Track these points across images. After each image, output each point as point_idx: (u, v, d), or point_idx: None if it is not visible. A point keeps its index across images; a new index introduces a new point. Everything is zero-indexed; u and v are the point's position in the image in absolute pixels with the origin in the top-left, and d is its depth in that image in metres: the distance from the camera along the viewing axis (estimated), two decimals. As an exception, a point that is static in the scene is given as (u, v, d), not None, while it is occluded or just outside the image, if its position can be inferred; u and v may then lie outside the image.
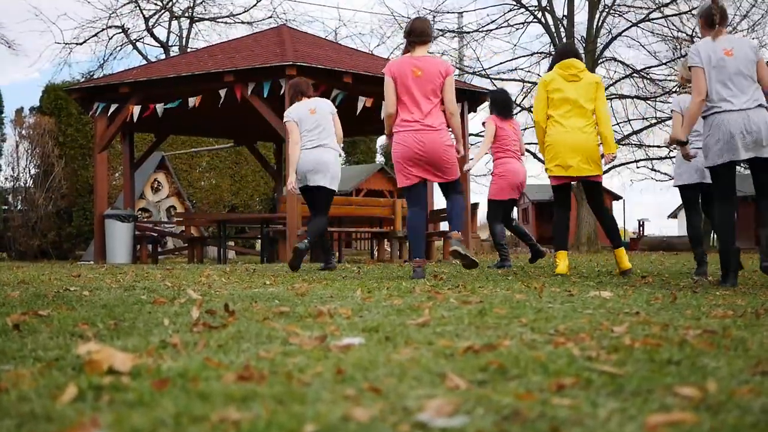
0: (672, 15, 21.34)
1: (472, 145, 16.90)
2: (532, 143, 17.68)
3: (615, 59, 21.94)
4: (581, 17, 22.15)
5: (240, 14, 26.24)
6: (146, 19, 25.23)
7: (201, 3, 25.97)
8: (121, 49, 25.54)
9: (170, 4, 25.58)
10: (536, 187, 31.86)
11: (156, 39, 25.82)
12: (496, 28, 22.04)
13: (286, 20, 25.18)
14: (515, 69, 22.10)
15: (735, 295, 3.82)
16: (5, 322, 2.40)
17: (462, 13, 23.36)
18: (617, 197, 33.29)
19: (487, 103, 10.85)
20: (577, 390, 1.44)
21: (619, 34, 21.85)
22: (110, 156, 14.25)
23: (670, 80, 21.72)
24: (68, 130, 17.30)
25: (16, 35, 53.93)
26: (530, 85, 21.72)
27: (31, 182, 16.47)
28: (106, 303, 3.14)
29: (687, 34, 21.35)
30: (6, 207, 16.61)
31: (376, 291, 3.88)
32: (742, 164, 5.04)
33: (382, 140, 28.73)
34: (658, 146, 22.45)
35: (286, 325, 2.37)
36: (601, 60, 21.67)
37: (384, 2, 45.58)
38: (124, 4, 24.76)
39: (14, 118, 17.60)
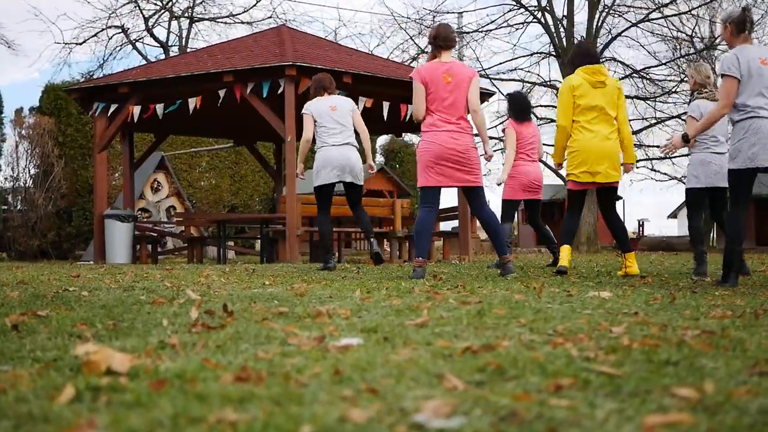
0: (672, 15, 21.34)
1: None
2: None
3: (615, 59, 21.93)
4: (581, 17, 22.15)
5: (240, 14, 26.26)
6: (146, 19, 25.23)
7: (201, 3, 25.98)
8: (120, 49, 25.56)
9: (170, 4, 25.58)
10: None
11: (156, 39, 25.82)
12: (496, 29, 22.04)
13: (286, 20, 25.19)
14: (515, 69, 22.11)
15: (734, 296, 3.82)
16: (4, 322, 2.40)
17: (462, 13, 23.40)
18: (617, 197, 33.25)
19: (486, 103, 10.85)
20: (574, 391, 1.44)
21: (619, 35, 21.84)
22: (110, 156, 14.24)
23: (669, 80, 21.72)
24: (68, 130, 17.30)
25: (16, 35, 53.97)
26: (530, 85, 21.73)
27: (31, 182, 16.47)
28: (105, 303, 3.14)
29: (686, 35, 21.36)
30: (6, 207, 16.60)
31: (375, 291, 3.88)
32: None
33: (382, 141, 28.78)
34: (658, 146, 22.43)
35: (284, 325, 2.37)
36: (600, 60, 21.66)
37: (384, 2, 45.60)
38: (124, 4, 24.77)
39: (14, 118, 17.59)
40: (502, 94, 18.90)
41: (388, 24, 37.03)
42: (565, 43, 21.23)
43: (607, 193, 6.01)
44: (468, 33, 22.68)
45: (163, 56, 24.50)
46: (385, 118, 10.56)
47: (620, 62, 22.05)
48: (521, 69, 22.13)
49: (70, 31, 39.57)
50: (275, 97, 9.82)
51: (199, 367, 1.64)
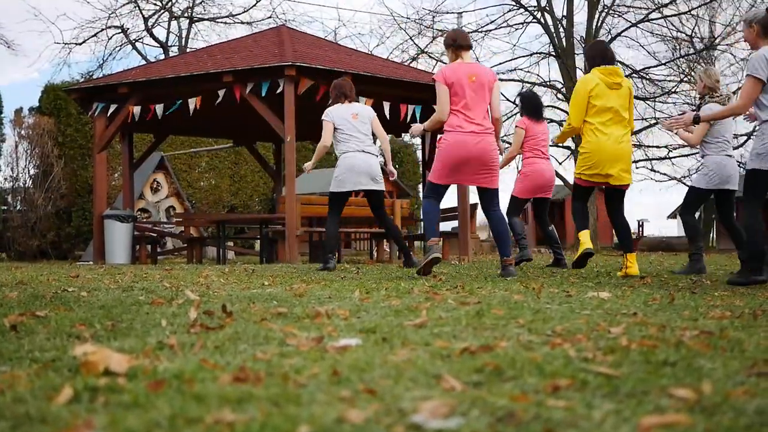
0: (671, 15, 21.35)
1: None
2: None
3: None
4: (580, 17, 22.16)
5: (239, 14, 26.27)
6: (145, 20, 25.23)
7: (200, 3, 25.98)
8: (120, 49, 25.57)
9: (169, 4, 25.58)
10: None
11: (155, 39, 25.82)
12: (496, 29, 22.04)
13: (286, 20, 25.19)
14: (514, 69, 22.12)
15: (733, 296, 3.82)
16: (2, 322, 2.40)
17: (461, 13, 23.37)
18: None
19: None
20: (572, 391, 1.44)
21: (619, 35, 21.85)
22: (109, 156, 14.24)
23: (669, 80, 21.72)
24: (67, 130, 17.30)
25: (16, 35, 53.93)
26: (529, 85, 21.72)
27: (31, 182, 16.47)
28: (104, 304, 3.14)
29: (686, 35, 21.36)
30: (5, 207, 16.60)
31: (374, 292, 3.88)
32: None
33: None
34: (657, 146, 22.46)
35: (283, 326, 2.37)
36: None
37: (383, 2, 45.62)
38: (124, 5, 24.77)
39: (13, 118, 17.60)
40: (502, 95, 18.88)
41: (388, 24, 37.13)
42: (564, 44, 21.23)
43: (617, 194, 6.01)
44: (468, 33, 22.68)
45: (162, 56, 24.51)
46: (388, 117, 10.56)
47: (620, 62, 22.04)
48: (521, 69, 22.16)
49: (69, 31, 39.65)
50: (275, 97, 9.82)
51: (198, 368, 1.64)
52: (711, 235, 26.08)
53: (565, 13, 21.56)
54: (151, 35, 25.69)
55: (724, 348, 1.95)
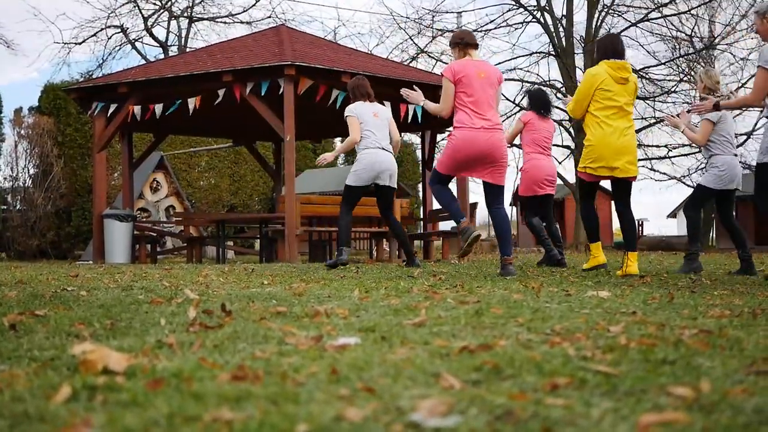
0: (671, 15, 21.34)
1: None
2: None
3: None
4: (580, 17, 22.16)
5: (239, 14, 26.26)
6: (145, 19, 25.22)
7: (200, 3, 25.97)
8: (120, 48, 25.56)
9: (169, 3, 25.57)
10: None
11: (155, 39, 25.81)
12: (495, 28, 22.03)
13: (285, 20, 25.18)
14: (514, 69, 22.11)
15: (733, 295, 3.82)
16: (2, 321, 2.40)
17: (461, 12, 23.36)
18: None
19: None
20: (570, 390, 1.44)
21: (619, 34, 21.83)
22: (109, 156, 14.25)
23: (668, 80, 21.72)
24: (67, 129, 17.30)
25: (15, 35, 53.79)
26: (529, 84, 21.72)
27: (30, 182, 16.48)
28: (104, 303, 3.14)
29: (686, 34, 21.35)
30: (5, 207, 16.60)
31: (373, 291, 3.88)
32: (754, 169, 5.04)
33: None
34: (657, 146, 22.45)
35: (282, 325, 2.37)
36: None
37: (383, 2, 45.62)
38: (123, 4, 24.76)
39: (13, 117, 17.61)
40: (502, 94, 18.88)
41: (388, 24, 37.15)
42: (564, 43, 21.23)
43: (624, 187, 6.01)
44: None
45: (162, 56, 24.50)
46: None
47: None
48: (520, 69, 22.15)
49: (69, 30, 39.64)
50: (274, 97, 9.82)
51: (196, 367, 1.64)
52: (711, 234, 26.08)
53: (564, 13, 21.57)
54: (151, 35, 25.69)
55: (723, 347, 1.95)
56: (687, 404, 1.31)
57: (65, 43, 25.10)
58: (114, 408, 1.29)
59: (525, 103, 9.20)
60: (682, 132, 6.59)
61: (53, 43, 45.41)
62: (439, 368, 1.63)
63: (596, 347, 1.92)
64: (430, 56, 22.31)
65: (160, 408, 1.27)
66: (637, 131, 22.25)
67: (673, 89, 21.49)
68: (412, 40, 22.36)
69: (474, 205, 18.35)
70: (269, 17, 25.76)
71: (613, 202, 6.14)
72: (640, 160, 22.51)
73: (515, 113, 21.44)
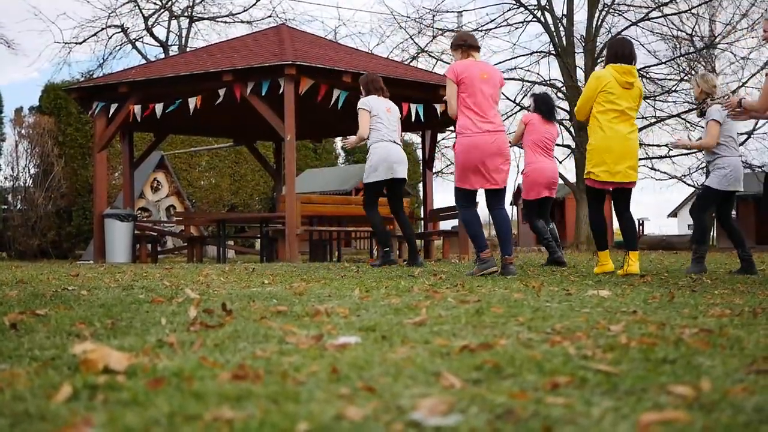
0: (671, 14, 21.32)
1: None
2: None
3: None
4: (580, 16, 22.14)
5: (239, 14, 26.25)
6: (145, 19, 25.22)
7: (200, 2, 25.97)
8: (120, 48, 25.54)
9: (170, 3, 25.57)
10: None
11: (155, 38, 25.81)
12: (496, 27, 22.00)
13: (286, 19, 25.16)
14: (515, 68, 22.07)
15: (733, 294, 3.82)
16: (2, 321, 2.40)
17: (461, 12, 23.35)
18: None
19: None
20: (571, 389, 1.44)
21: (619, 33, 21.80)
22: (110, 155, 14.24)
23: (669, 79, 21.70)
24: (68, 129, 17.30)
25: (16, 35, 53.91)
26: (530, 84, 21.72)
27: (31, 182, 16.48)
28: (104, 302, 3.14)
29: (686, 33, 21.33)
30: (6, 206, 16.61)
31: (374, 290, 3.88)
32: (755, 168, 5.08)
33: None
34: (658, 145, 22.43)
35: (283, 324, 2.37)
36: (600, 59, 21.66)
37: (383, 1, 45.58)
38: (124, 4, 24.75)
39: (14, 117, 17.62)
40: (503, 94, 18.87)
41: (388, 23, 37.09)
42: (564, 42, 21.21)
43: (624, 193, 6.00)
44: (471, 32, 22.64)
45: (162, 56, 24.50)
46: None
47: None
48: (521, 68, 22.11)
49: (69, 30, 39.57)
50: (275, 96, 9.82)
51: (197, 366, 1.64)
52: (711, 234, 26.08)
53: (565, 12, 21.54)
54: (151, 34, 25.68)
55: (724, 346, 1.95)
56: (687, 403, 1.31)
57: (66, 43, 25.11)
58: (115, 407, 1.29)
59: (527, 103, 9.21)
60: (691, 147, 6.66)
61: (54, 42, 45.40)
62: (439, 367, 1.64)
63: (597, 346, 1.92)
64: (430, 56, 22.29)
65: (160, 407, 1.28)
66: (638, 130, 22.26)
67: (673, 88, 21.48)
68: (412, 39, 22.35)
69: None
70: (270, 17, 25.77)
71: (612, 203, 6.11)
72: (641, 159, 22.60)
73: (515, 113, 21.43)
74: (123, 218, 10.41)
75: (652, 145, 22.50)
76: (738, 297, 3.63)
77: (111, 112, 10.72)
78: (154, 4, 25.36)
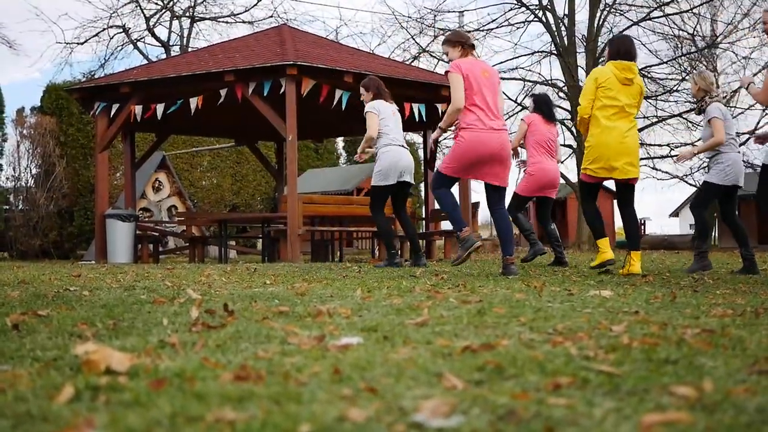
0: (673, 14, 21.30)
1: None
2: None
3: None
4: (582, 16, 22.17)
5: (241, 14, 26.23)
6: (147, 19, 25.22)
7: (202, 2, 25.95)
8: (122, 48, 25.52)
9: (171, 3, 25.56)
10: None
11: (157, 39, 25.80)
12: (497, 27, 21.97)
13: (287, 20, 25.15)
14: (516, 68, 22.06)
15: (735, 294, 3.81)
16: (4, 322, 2.40)
17: (462, 12, 23.32)
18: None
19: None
20: (573, 390, 1.44)
21: (620, 33, 21.81)
22: (111, 156, 14.25)
23: (670, 79, 21.68)
24: (69, 129, 17.31)
25: (17, 35, 54.07)
26: (531, 84, 21.70)
27: (33, 182, 16.49)
28: (106, 303, 3.14)
29: (688, 33, 21.31)
30: (7, 207, 16.62)
31: (376, 290, 3.88)
32: (756, 168, 5.11)
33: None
34: (659, 145, 22.41)
35: (285, 324, 2.37)
36: (601, 59, 21.65)
37: (385, 1, 45.56)
38: (125, 4, 24.74)
39: (15, 117, 17.62)
40: (504, 94, 18.85)
41: (389, 23, 37.12)
42: (566, 42, 21.20)
43: (626, 189, 5.99)
44: (469, 32, 22.61)
45: (164, 56, 24.51)
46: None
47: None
48: (522, 68, 22.08)
49: (71, 30, 39.64)
50: (277, 97, 9.82)
51: (199, 366, 1.64)
52: (713, 233, 26.06)
53: (566, 12, 21.52)
54: (153, 35, 25.68)
55: (726, 346, 1.95)
56: (690, 404, 1.31)
57: (67, 43, 25.10)
58: (117, 408, 1.29)
59: (527, 103, 9.19)
60: (698, 152, 6.71)
61: (55, 43, 45.49)
62: (441, 368, 1.63)
63: (599, 347, 1.91)
64: (432, 55, 22.28)
65: (162, 408, 1.28)
66: (639, 130, 22.23)
67: (675, 88, 21.46)
68: (413, 39, 22.32)
69: (476, 205, 18.38)
70: (271, 17, 25.75)
71: (615, 201, 6.12)
72: (642, 158, 22.60)
73: (516, 113, 21.41)
74: (125, 218, 10.41)
75: (654, 145, 22.48)
76: (740, 297, 3.63)
77: (112, 113, 10.73)
78: (156, 4, 25.37)
